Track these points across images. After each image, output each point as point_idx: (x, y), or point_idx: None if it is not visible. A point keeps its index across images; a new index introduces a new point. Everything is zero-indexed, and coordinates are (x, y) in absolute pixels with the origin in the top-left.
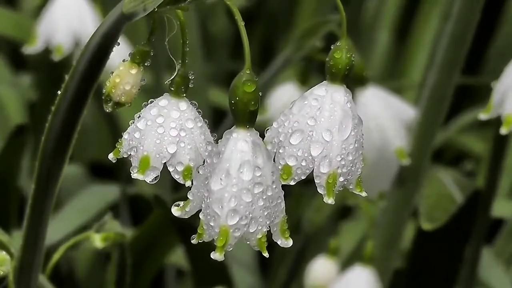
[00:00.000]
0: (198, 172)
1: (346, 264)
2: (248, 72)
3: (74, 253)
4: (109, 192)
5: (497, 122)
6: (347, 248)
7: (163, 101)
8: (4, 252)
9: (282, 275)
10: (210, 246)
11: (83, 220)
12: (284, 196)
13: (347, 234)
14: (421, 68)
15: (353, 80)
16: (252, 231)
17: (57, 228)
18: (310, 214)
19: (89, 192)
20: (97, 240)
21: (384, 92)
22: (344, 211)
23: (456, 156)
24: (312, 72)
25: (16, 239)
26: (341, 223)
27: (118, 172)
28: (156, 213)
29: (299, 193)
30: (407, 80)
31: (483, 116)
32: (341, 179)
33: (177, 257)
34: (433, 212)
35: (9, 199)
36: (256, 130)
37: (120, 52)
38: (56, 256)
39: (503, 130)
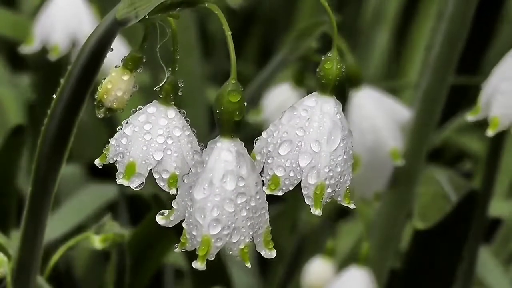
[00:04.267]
0: (183, 181)
1: (343, 265)
2: (234, 82)
3: (72, 253)
4: (107, 191)
5: None
6: (344, 249)
7: (151, 108)
8: (1, 254)
9: (279, 275)
10: None
11: (80, 218)
12: (281, 197)
13: (344, 235)
14: (419, 68)
15: (348, 81)
16: (234, 241)
17: (54, 227)
18: (306, 215)
19: (88, 191)
20: (97, 242)
21: (379, 93)
22: (341, 212)
23: (454, 155)
24: (307, 72)
25: (14, 240)
26: (338, 224)
27: (116, 172)
28: (154, 212)
29: (295, 194)
30: (406, 80)
31: (470, 117)
32: (329, 190)
33: (176, 257)
34: (427, 211)
35: (7, 199)
36: (252, 131)
37: (120, 54)
38: (55, 258)
39: (490, 132)
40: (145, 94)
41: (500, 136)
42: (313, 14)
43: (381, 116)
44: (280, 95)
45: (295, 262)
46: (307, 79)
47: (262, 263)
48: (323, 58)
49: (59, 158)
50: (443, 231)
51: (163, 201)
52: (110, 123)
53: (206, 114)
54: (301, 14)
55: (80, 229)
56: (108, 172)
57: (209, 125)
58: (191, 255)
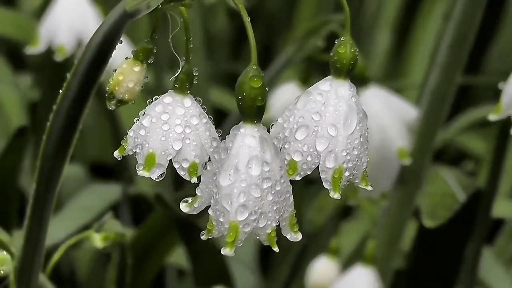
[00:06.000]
0: (206, 168)
1: (347, 264)
2: (255, 67)
3: (75, 253)
4: (110, 191)
5: (499, 122)
6: (348, 248)
7: (167, 98)
8: (5, 252)
9: (283, 275)
10: (210, 246)
11: (85, 220)
12: None
13: (348, 234)
14: (420, 68)
15: (354, 80)
16: (261, 226)
17: (58, 228)
18: (311, 214)
19: (90, 191)
20: (97, 240)
21: (386, 92)
22: (344, 211)
23: (456, 156)
24: (313, 72)
25: (16, 239)
26: (342, 223)
27: (119, 172)
28: (156, 212)
29: (300, 193)
30: (407, 80)
31: (492, 117)
32: (347, 173)
33: (178, 256)
34: (436, 210)
35: (10, 199)
36: None
37: (121, 50)
38: (56, 256)
39: None
40: (147, 94)
41: (505, 137)
42: (313, 14)
43: (388, 116)
44: (285, 95)
45: (299, 261)
46: (312, 78)
47: (263, 262)
48: (336, 42)
49: (64, 154)
50: (447, 231)
51: (166, 200)
52: (112, 123)
53: (209, 114)
54: (302, 14)
55: (83, 229)
56: (110, 172)
57: (214, 125)
58: (193, 255)
